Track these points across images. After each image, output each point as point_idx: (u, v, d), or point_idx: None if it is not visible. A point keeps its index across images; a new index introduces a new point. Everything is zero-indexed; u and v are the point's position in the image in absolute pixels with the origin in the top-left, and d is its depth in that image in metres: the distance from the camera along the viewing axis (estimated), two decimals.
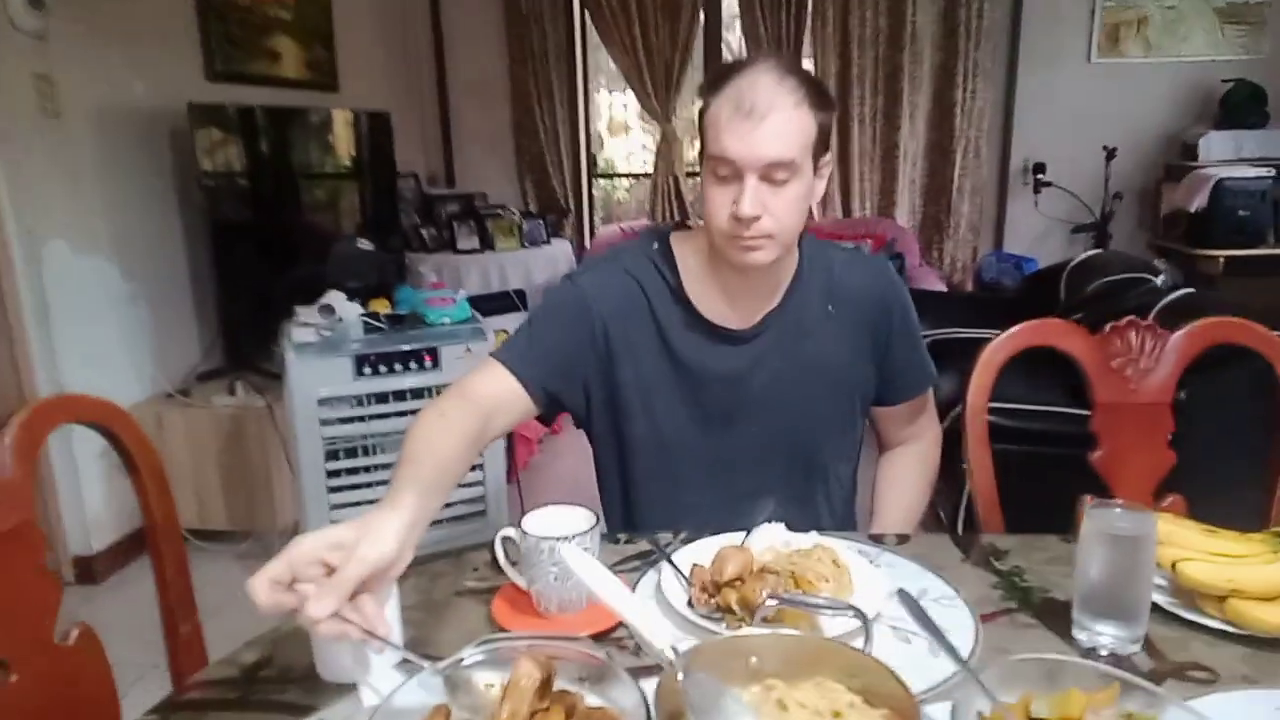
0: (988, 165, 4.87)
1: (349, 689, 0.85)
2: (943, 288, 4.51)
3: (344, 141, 3.83)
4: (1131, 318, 1.20)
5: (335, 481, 2.29)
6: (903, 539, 1.17)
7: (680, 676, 0.67)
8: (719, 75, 1.14)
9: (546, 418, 1.30)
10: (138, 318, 2.99)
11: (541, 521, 0.99)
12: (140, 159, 2.99)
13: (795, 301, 1.29)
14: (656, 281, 1.28)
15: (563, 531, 0.96)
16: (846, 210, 5.01)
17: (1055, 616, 0.95)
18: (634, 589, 1.03)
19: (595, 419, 1.32)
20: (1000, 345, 1.23)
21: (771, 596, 0.87)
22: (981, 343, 1.30)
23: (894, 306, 1.32)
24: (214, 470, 2.86)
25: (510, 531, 0.99)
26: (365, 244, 3.92)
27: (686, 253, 1.29)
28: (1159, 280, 3.01)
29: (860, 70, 4.75)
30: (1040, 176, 4.78)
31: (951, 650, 0.74)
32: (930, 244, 4.99)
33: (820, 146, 1.16)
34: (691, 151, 5.07)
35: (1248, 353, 1.23)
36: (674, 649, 0.69)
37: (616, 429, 1.31)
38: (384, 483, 2.41)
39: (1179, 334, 1.20)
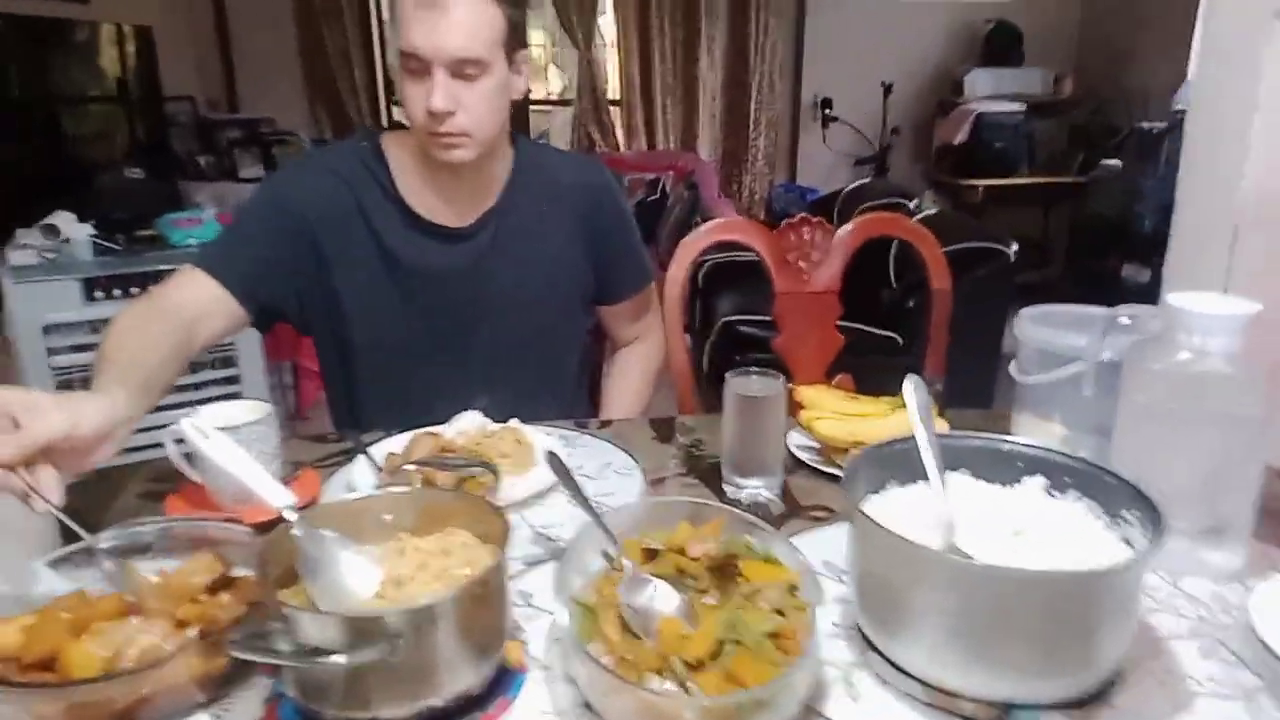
0: (781, 100, 5.07)
1: None
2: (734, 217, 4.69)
3: (106, 58, 3.50)
4: (804, 215, 1.31)
5: None
6: (605, 424, 1.24)
7: (297, 532, 0.69)
8: None
9: (260, 326, 1.27)
10: None
11: (215, 415, 0.98)
12: None
13: (512, 199, 1.31)
14: (367, 181, 1.26)
15: (219, 422, 0.95)
16: (651, 143, 5.08)
17: (716, 476, 1.04)
18: (326, 480, 1.04)
19: (314, 324, 1.31)
20: (697, 237, 1.31)
21: (410, 462, 0.91)
22: (744, 265, 1.37)
23: (606, 204, 1.37)
24: None
25: (181, 425, 0.97)
26: (135, 173, 3.64)
27: (399, 151, 1.28)
28: (913, 204, 3.26)
29: (659, 2, 4.79)
30: (828, 111, 5.02)
31: (584, 500, 0.80)
32: (730, 177, 5.16)
33: (514, 41, 1.17)
34: None
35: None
36: (290, 507, 0.71)
37: (336, 334, 1.30)
38: None
39: (844, 229, 1.32)
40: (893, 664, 0.69)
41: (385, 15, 5.05)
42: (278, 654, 0.58)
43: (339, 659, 0.57)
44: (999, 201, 4.67)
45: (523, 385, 1.37)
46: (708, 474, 1.06)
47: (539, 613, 0.80)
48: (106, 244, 2.20)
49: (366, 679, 0.60)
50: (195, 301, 1.14)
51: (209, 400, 1.02)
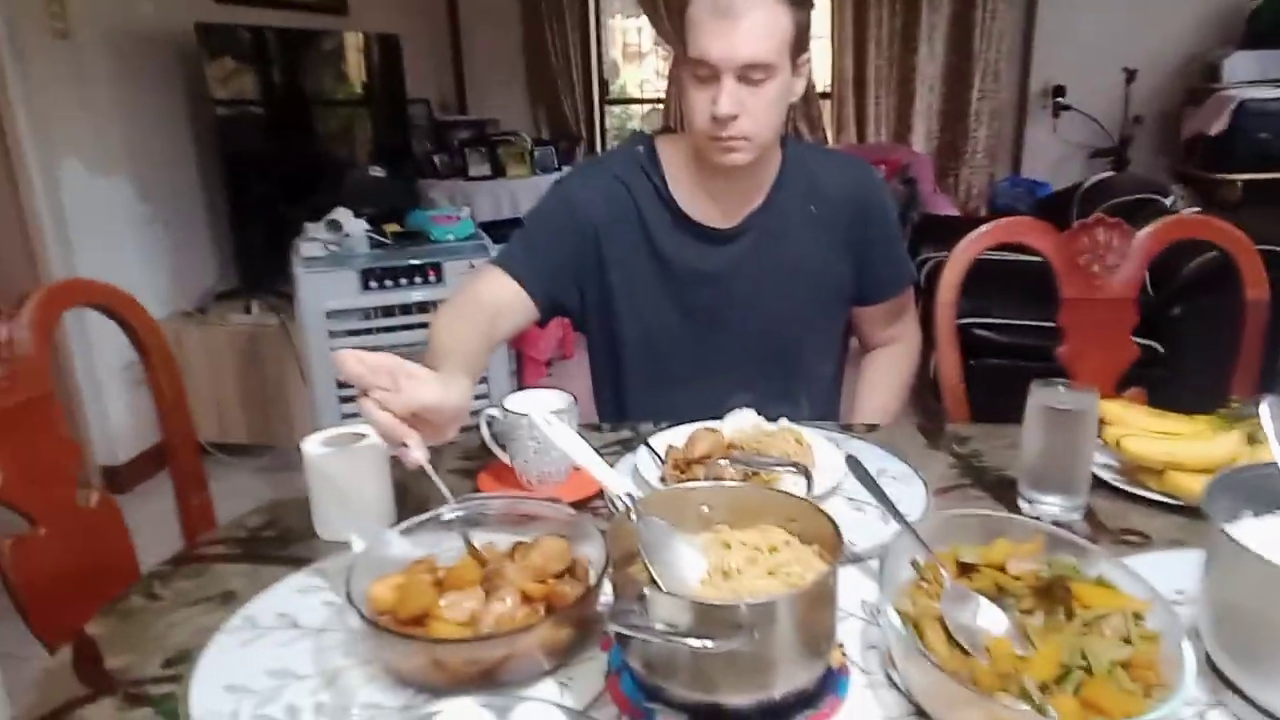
0: (1006, 89, 4.79)
1: (344, 546, 0.93)
2: (956, 213, 4.49)
3: (354, 66, 3.84)
4: (1099, 215, 1.22)
5: (345, 392, 2.38)
6: (871, 428, 1.23)
7: (634, 519, 0.73)
8: None
9: (543, 320, 1.35)
10: (154, 238, 3.05)
11: (522, 402, 1.05)
12: (151, 80, 3.02)
13: (778, 201, 1.32)
14: (643, 184, 1.32)
15: (542, 410, 1.02)
16: (861, 136, 4.96)
17: (1006, 490, 1.01)
18: (613, 468, 1.09)
19: (590, 320, 1.38)
20: (971, 241, 1.26)
21: (722, 458, 0.93)
22: (985, 264, 1.32)
23: (873, 207, 1.35)
24: (233, 386, 2.97)
25: (494, 411, 1.06)
26: (378, 171, 3.97)
27: (671, 155, 1.33)
28: (1168, 201, 2.99)
29: None
30: (1059, 100, 4.69)
31: (891, 507, 0.80)
32: (946, 170, 4.94)
33: (798, 45, 1.18)
34: None
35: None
36: (629, 494, 0.75)
37: (609, 330, 1.37)
38: None
39: (1144, 231, 1.23)
40: (1257, 706, 0.64)
41: (601, 18, 5.23)
42: (653, 633, 0.62)
43: (707, 643, 0.60)
44: (1259, 199, 4.18)
45: (781, 384, 1.38)
46: (996, 487, 1.03)
47: (845, 615, 0.80)
48: (380, 239, 2.42)
49: (716, 664, 0.63)
50: (499, 299, 1.24)
51: None
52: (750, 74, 1.14)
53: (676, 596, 0.65)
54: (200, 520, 1.14)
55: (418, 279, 2.33)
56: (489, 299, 1.23)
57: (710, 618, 0.62)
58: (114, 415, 2.85)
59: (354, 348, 0.84)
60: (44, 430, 0.95)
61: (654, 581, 0.69)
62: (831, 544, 0.69)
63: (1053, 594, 0.73)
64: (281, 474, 2.96)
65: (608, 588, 0.74)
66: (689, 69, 1.18)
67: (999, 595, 0.74)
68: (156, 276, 3.06)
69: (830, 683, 0.70)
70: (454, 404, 0.87)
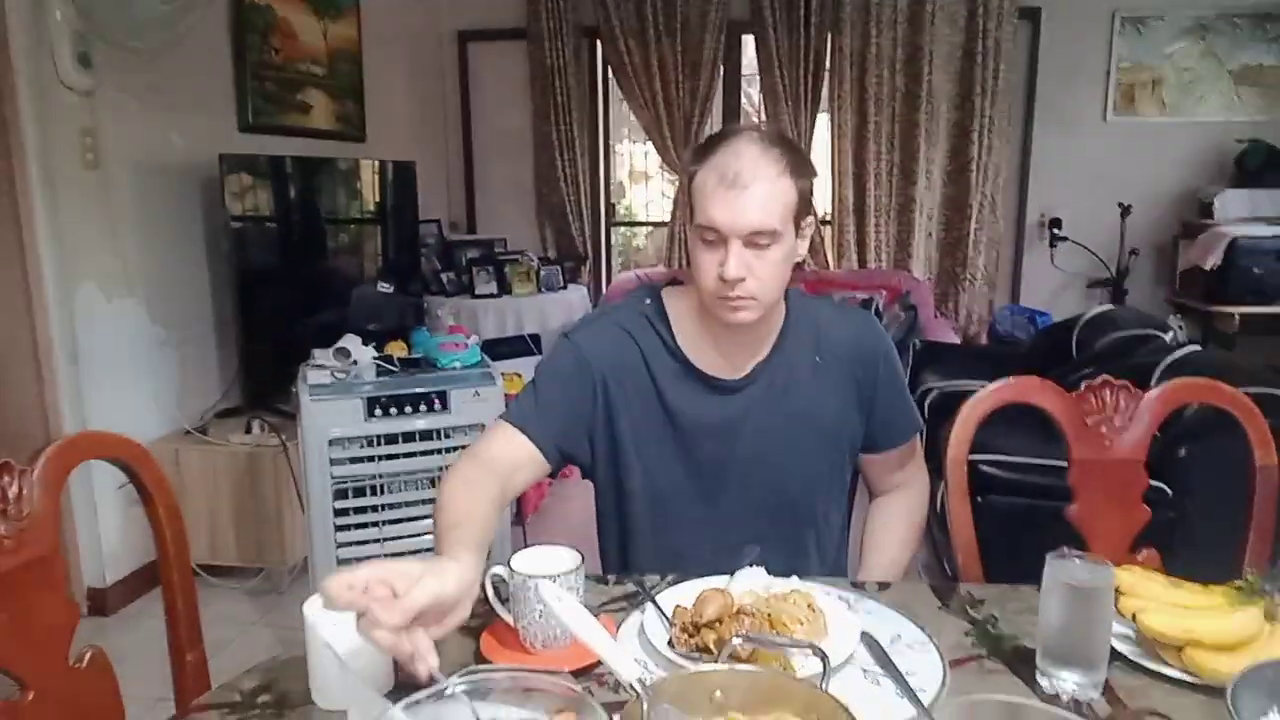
0: (1004, 220, 4.92)
1: (340, 716, 0.90)
2: (956, 340, 4.53)
3: (369, 189, 3.98)
4: (1105, 377, 1.24)
5: (342, 520, 2.35)
6: (884, 586, 1.21)
7: (645, 706, 0.71)
8: (705, 146, 1.22)
9: (554, 473, 1.35)
10: (163, 359, 3.08)
11: (530, 560, 1.04)
12: (173, 207, 3.12)
13: (783, 352, 1.34)
14: (650, 337, 1.34)
15: (550, 570, 1.00)
16: (862, 261, 5.06)
17: (1023, 663, 0.98)
18: (619, 628, 1.07)
19: (598, 470, 1.38)
20: (979, 401, 1.27)
21: (738, 635, 0.91)
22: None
23: (879, 356, 1.37)
24: (228, 506, 2.93)
25: (500, 570, 1.04)
26: (386, 287, 4.05)
27: (679, 307, 1.36)
28: (1168, 337, 3.03)
29: (877, 126, 4.83)
30: (1056, 231, 4.82)
31: (909, 690, 0.78)
32: (946, 296, 5.03)
33: (802, 210, 1.22)
34: None
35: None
36: (641, 681, 0.73)
37: (616, 480, 1.37)
38: (390, 521, 2.46)
39: (1151, 394, 1.24)
40: None
41: (610, 143, 5.44)
42: None
43: None
44: (1257, 330, 4.25)
45: (790, 535, 1.38)
46: (1013, 659, 1.00)
47: None
48: (387, 366, 2.44)
49: None
50: (511, 457, 1.24)
51: None
52: (756, 239, 1.18)
53: None
54: (194, 678, 1.11)
55: (423, 407, 2.34)
56: (500, 456, 1.23)
57: None
58: (106, 534, 2.81)
59: (354, 475, 0.82)
60: (46, 590, 0.93)
61: None
62: None
63: None
64: (271, 597, 2.90)
65: None
66: (697, 232, 1.22)
67: None
68: (161, 396, 3.07)
69: None
70: (455, 590, 0.84)
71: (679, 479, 1.34)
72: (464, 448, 2.43)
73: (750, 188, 1.16)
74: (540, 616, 1.00)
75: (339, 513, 2.32)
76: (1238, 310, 4.24)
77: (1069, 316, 3.70)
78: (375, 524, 2.41)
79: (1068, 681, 0.91)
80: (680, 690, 0.76)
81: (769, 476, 1.34)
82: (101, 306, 2.82)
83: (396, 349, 2.65)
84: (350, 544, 2.39)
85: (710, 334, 1.33)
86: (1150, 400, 1.23)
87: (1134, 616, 0.95)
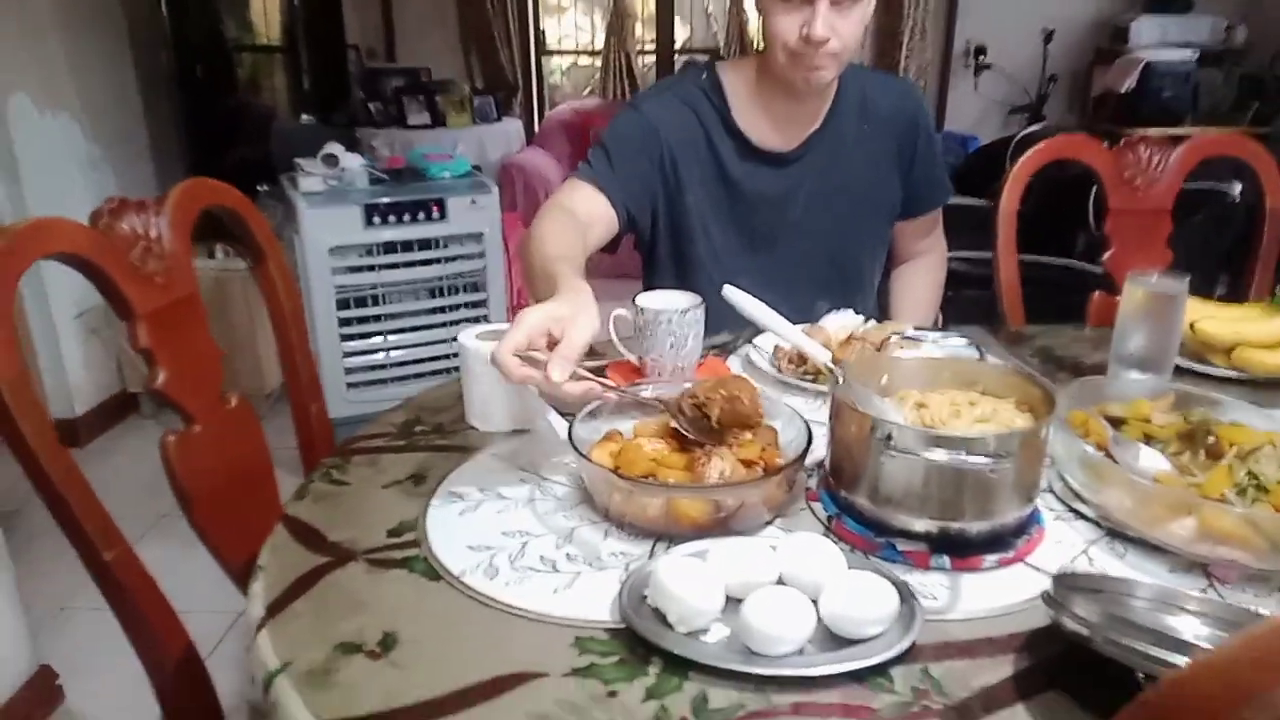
0: (933, 48, 4.99)
1: (503, 436, 0.96)
2: None
3: (286, 8, 3.69)
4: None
5: (347, 329, 2.34)
6: (942, 328, 1.32)
7: (841, 379, 0.80)
8: None
9: (619, 236, 1.38)
10: (103, 181, 2.89)
11: (652, 301, 1.09)
12: (97, 19, 2.86)
13: (834, 123, 1.39)
14: (709, 111, 1.36)
15: (670, 308, 1.06)
16: None
17: (1092, 375, 1.12)
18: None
19: (659, 241, 1.41)
20: (1030, 158, 1.37)
21: (895, 332, 1.00)
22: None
23: (920, 123, 1.44)
24: None
25: (622, 310, 1.09)
26: (308, 119, 3.84)
27: (734, 81, 1.37)
28: None
29: None
30: (982, 59, 4.93)
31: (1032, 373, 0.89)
32: None
33: None
34: (649, 30, 5.03)
35: None
36: (835, 361, 0.81)
37: (678, 250, 1.41)
38: (394, 331, 2.44)
39: (1180, 147, 1.37)
40: None
41: None
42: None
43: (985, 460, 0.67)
44: None
45: (839, 298, 1.47)
46: (1082, 373, 1.14)
47: None
48: (378, 174, 2.37)
49: (950, 495, 0.71)
50: (590, 211, 1.26)
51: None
52: None
53: (928, 430, 0.73)
54: (319, 429, 1.14)
55: (421, 215, 2.28)
56: (584, 213, 1.25)
57: (957, 448, 0.70)
58: (70, 366, 2.70)
59: (354, 284, 0.80)
60: (195, 329, 0.94)
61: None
62: (1040, 401, 0.77)
63: (1196, 438, 0.84)
64: None
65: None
66: None
67: (1149, 443, 0.84)
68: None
69: (1034, 515, 0.79)
70: (598, 321, 0.86)
71: (735, 249, 1.40)
72: (462, 257, 2.44)
73: None
74: (671, 347, 1.06)
75: (343, 322, 2.30)
76: (1148, 132, 4.46)
77: (996, 139, 3.86)
78: (378, 333, 2.40)
79: (1142, 384, 1.05)
80: (860, 372, 0.84)
81: (820, 244, 1.42)
82: (36, 121, 2.60)
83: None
84: (355, 353, 2.38)
85: (766, 108, 1.36)
86: (1180, 152, 1.35)
87: (1192, 326, 1.09)
